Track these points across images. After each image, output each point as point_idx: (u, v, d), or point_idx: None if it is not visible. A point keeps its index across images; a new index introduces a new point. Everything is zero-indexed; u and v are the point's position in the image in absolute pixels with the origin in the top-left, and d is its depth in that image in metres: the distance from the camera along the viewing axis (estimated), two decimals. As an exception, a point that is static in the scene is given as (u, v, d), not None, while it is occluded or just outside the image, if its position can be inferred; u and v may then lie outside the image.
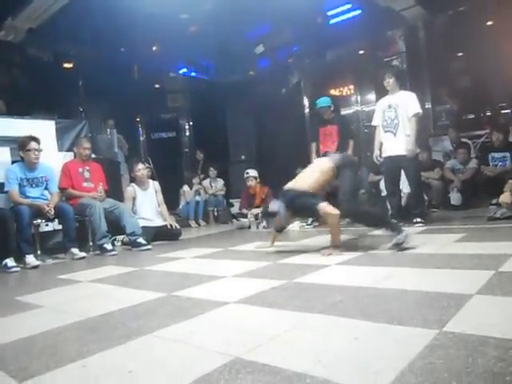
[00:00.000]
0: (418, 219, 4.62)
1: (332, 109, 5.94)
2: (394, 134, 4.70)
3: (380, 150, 4.88)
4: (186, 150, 10.12)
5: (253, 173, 6.72)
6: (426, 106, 7.70)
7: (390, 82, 4.78)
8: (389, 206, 5.06)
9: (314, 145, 5.99)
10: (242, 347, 1.52)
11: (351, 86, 8.89)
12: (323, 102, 5.84)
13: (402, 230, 3.22)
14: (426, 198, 5.57)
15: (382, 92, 8.58)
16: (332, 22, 7.65)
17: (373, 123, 5.06)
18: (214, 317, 1.94)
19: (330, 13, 7.52)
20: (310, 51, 8.34)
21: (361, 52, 8.15)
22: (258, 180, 6.75)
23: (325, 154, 5.23)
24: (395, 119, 4.69)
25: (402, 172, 4.81)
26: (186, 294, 2.44)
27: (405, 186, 5.12)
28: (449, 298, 1.84)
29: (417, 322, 1.58)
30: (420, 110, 4.70)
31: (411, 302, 1.88)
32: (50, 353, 1.66)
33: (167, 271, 3.36)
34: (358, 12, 7.39)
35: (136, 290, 2.68)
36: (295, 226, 5.55)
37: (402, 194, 5.20)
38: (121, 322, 2.01)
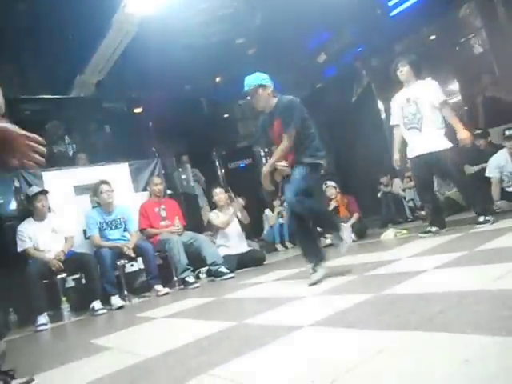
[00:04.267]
0: (482, 218, 3.81)
1: (268, 92, 3.13)
2: (420, 130, 4.02)
3: (400, 152, 4.27)
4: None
5: (331, 183, 6.33)
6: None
7: (403, 71, 4.09)
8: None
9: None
10: (309, 384, 1.17)
11: (428, 78, 8.23)
12: (247, 81, 3.17)
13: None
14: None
15: (464, 77, 7.86)
16: (394, 12, 7.12)
17: (391, 123, 4.35)
18: (283, 346, 1.60)
19: (390, 3, 7.01)
20: (375, 49, 7.84)
21: (432, 37, 7.46)
22: (338, 190, 6.31)
23: None
24: (417, 113, 4.01)
25: None
26: (258, 320, 2.14)
27: None
28: None
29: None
30: (445, 98, 4.00)
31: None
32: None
33: (244, 298, 3.09)
34: (420, -4, 6.80)
35: (207, 322, 2.43)
36: (390, 233, 4.99)
37: None
38: (180, 360, 1.75)
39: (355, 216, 5.97)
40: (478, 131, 5.76)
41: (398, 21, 7.14)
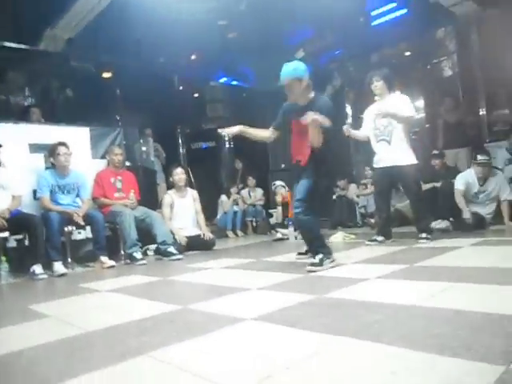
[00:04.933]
0: (424, 234, 4.10)
1: (304, 85, 3.09)
2: (389, 142, 4.19)
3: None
4: (226, 159, 9.97)
5: (280, 183, 6.52)
6: (481, 113, 7.12)
7: (377, 85, 4.20)
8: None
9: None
10: (248, 377, 1.22)
11: (397, 92, 8.45)
12: (285, 71, 3.10)
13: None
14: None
15: (430, 97, 8.14)
16: (375, 23, 7.27)
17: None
18: (225, 336, 1.66)
19: (373, 13, 7.15)
20: (352, 54, 7.98)
21: (407, 53, 7.70)
22: (288, 189, 6.44)
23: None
24: (389, 126, 4.17)
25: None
26: (202, 307, 2.18)
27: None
28: (516, 322, 1.46)
29: (476, 354, 1.22)
30: (414, 114, 4.22)
31: (468, 327, 1.50)
32: (31, 372, 1.44)
33: (190, 282, 3.12)
34: (403, 11, 6.96)
35: (151, 302, 2.44)
36: (339, 236, 5.15)
37: None
38: (122, 338, 1.76)
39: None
40: (436, 152, 6.03)
41: (377, 32, 7.29)
